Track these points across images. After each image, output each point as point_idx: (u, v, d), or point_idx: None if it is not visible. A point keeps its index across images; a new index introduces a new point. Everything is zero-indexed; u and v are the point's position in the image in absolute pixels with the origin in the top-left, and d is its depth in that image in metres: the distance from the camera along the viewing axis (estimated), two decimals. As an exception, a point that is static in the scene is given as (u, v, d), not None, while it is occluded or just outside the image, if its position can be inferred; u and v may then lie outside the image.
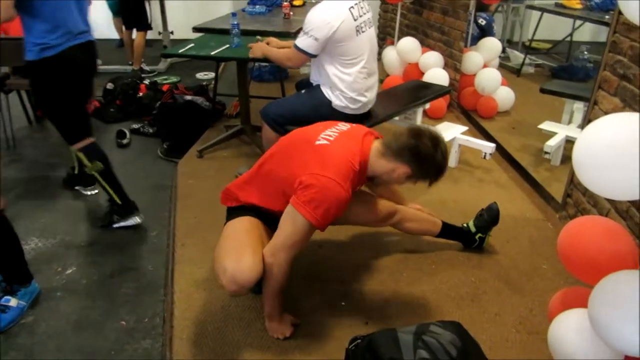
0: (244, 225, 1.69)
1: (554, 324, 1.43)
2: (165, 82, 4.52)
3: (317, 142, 1.65)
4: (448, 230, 2.18)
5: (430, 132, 1.62)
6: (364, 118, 2.59)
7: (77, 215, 2.66)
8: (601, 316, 1.21)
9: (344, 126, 1.76)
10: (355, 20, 2.34)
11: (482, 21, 4.46)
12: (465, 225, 2.21)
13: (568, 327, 1.38)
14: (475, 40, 4.20)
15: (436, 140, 1.60)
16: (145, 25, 4.98)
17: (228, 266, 1.53)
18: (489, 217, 2.18)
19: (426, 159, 1.59)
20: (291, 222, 1.56)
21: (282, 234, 1.58)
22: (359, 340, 1.32)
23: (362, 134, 1.70)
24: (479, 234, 2.18)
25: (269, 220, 1.75)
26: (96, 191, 2.82)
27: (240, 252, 1.57)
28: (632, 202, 1.85)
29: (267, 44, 2.71)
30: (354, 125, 1.80)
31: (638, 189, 1.15)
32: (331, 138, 1.66)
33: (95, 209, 2.72)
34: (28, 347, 1.79)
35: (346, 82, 2.40)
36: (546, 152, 2.91)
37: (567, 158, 2.96)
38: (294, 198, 1.55)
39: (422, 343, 1.19)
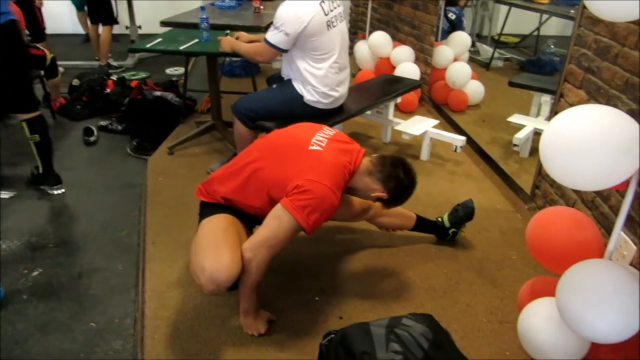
0: (222, 223, 1.67)
1: (523, 312, 1.46)
2: (133, 77, 4.42)
3: (311, 148, 1.67)
4: (422, 224, 2.21)
5: (414, 173, 1.80)
6: (336, 113, 2.59)
7: (43, 215, 2.58)
8: (568, 304, 1.24)
9: (330, 131, 1.80)
10: (326, 15, 2.33)
11: (452, 15, 4.50)
12: (439, 219, 2.23)
13: (537, 316, 1.41)
14: (446, 34, 4.24)
15: (415, 183, 1.80)
16: (111, 20, 4.84)
17: (206, 265, 1.51)
18: (464, 214, 2.20)
19: (403, 194, 1.79)
20: (279, 222, 1.55)
21: (267, 231, 1.57)
22: (333, 335, 1.32)
23: (357, 149, 1.78)
24: (453, 229, 2.21)
25: (245, 218, 1.74)
26: (62, 190, 2.74)
27: (219, 251, 1.54)
28: (598, 193, 1.90)
29: (237, 38, 2.67)
30: (338, 131, 1.84)
31: (602, 179, 1.18)
32: (323, 144, 1.70)
33: (62, 208, 2.64)
34: (-8, 353, 1.74)
35: (318, 77, 2.39)
36: (515, 145, 2.96)
37: (535, 150, 3.03)
38: (287, 200, 1.55)
39: (394, 336, 1.19)
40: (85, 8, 5.05)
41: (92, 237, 2.39)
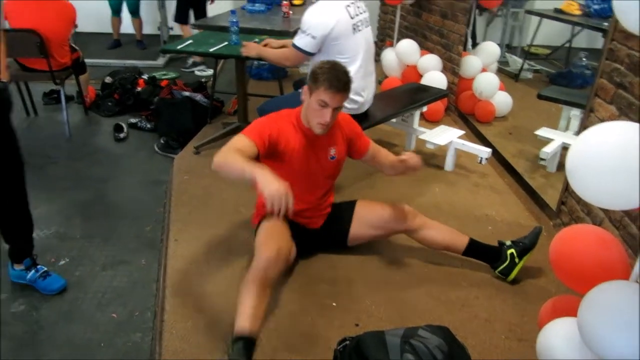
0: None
1: (543, 331, 1.44)
2: (163, 77, 4.51)
3: None
4: (476, 247, 2.04)
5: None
6: (361, 119, 2.59)
7: (72, 208, 2.65)
8: (590, 326, 1.21)
9: None
10: (352, 18, 2.35)
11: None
12: (501, 241, 2.06)
13: (557, 336, 1.38)
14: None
15: (330, 60, 1.84)
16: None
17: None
18: (529, 236, 2.04)
19: (317, 72, 1.77)
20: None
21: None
22: (348, 342, 1.32)
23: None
24: (512, 250, 2.00)
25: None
26: None
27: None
28: (626, 212, 1.86)
29: (266, 45, 2.70)
30: None
31: (631, 198, 1.16)
32: None
33: (90, 201, 2.71)
34: (19, 336, 1.80)
35: (343, 82, 2.40)
36: (542, 159, 2.91)
37: (562, 165, 2.96)
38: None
39: (409, 346, 1.19)
40: (121, 14, 5.18)
41: (118, 231, 2.45)
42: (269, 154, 1.81)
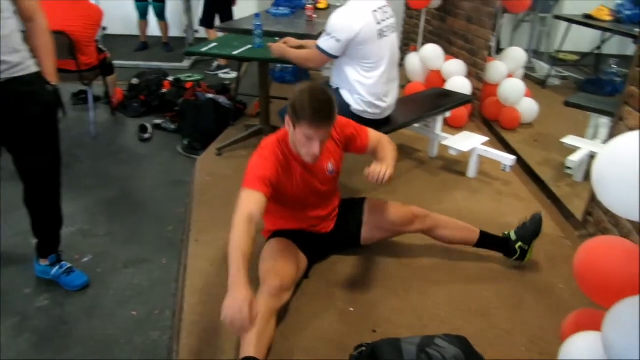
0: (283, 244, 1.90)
1: (565, 345, 1.40)
2: (188, 79, 4.57)
3: None
4: (487, 240, 2.13)
5: (307, 84, 1.73)
6: (383, 124, 2.58)
7: (97, 206, 2.71)
8: (614, 341, 1.18)
9: None
10: (378, 24, 2.34)
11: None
12: (505, 233, 2.15)
13: (580, 350, 1.35)
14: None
15: (307, 87, 1.70)
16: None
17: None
18: (532, 225, 2.11)
19: (296, 105, 1.66)
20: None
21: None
22: (364, 348, 1.31)
23: None
24: (520, 243, 2.10)
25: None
26: None
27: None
28: (654, 224, 1.80)
29: (285, 42, 2.71)
30: None
31: (659, 211, 1.12)
32: None
33: (113, 200, 2.76)
34: (42, 330, 1.85)
35: (366, 86, 2.39)
36: (568, 167, 2.85)
37: (589, 174, 2.89)
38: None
39: (425, 355, 1.18)
40: (148, 17, 5.27)
41: (141, 230, 2.49)
42: (273, 195, 1.76)
